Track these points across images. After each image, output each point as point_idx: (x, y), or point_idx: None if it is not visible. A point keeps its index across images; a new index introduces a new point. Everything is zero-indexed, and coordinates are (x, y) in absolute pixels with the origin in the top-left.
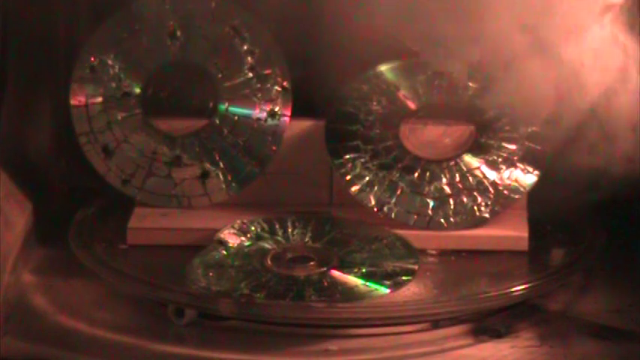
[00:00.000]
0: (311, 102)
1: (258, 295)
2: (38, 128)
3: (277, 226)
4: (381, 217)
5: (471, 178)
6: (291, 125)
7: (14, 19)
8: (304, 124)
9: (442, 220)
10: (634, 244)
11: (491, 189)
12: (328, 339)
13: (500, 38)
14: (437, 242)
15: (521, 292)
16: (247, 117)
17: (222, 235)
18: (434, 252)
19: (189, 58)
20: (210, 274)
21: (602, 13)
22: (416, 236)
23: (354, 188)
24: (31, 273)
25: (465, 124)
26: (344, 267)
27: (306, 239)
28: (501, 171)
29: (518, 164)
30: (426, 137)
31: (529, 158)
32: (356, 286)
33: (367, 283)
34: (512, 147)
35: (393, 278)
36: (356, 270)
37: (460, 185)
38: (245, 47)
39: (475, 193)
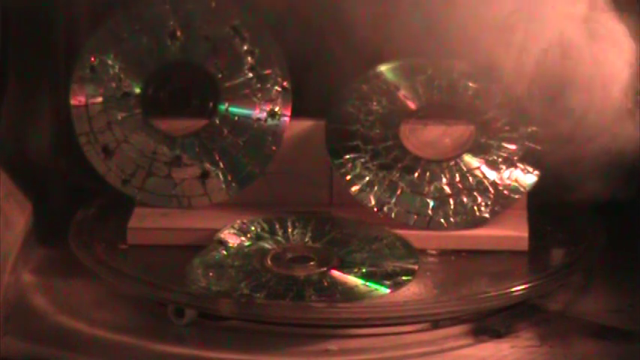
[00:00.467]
0: (311, 102)
1: (258, 295)
2: (38, 128)
3: (277, 226)
4: (381, 217)
5: (470, 178)
6: (291, 125)
7: (14, 19)
8: (304, 124)
9: (442, 220)
10: (634, 244)
11: (491, 189)
12: (328, 339)
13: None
14: (437, 242)
15: (521, 292)
16: (247, 117)
17: (222, 235)
18: (434, 252)
19: (189, 58)
20: (210, 274)
21: None
22: (416, 236)
23: (354, 188)
24: (31, 273)
25: (465, 124)
26: (344, 267)
27: (306, 239)
28: (501, 171)
29: (518, 164)
30: (426, 137)
31: (529, 158)
32: (356, 286)
33: (367, 283)
34: (512, 147)
35: (393, 278)
36: (356, 270)
37: (460, 185)
38: (245, 47)
39: (475, 193)
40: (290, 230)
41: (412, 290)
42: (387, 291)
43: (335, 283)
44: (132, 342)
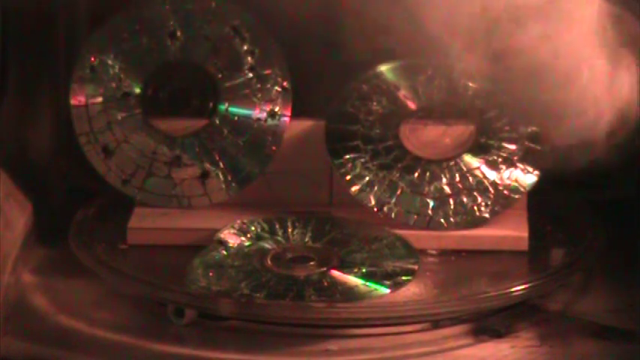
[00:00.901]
0: (311, 102)
1: (258, 295)
2: (38, 128)
3: (277, 226)
4: (381, 217)
5: (470, 178)
6: (291, 125)
7: (14, 19)
8: (304, 124)
9: (442, 220)
10: (634, 244)
11: (491, 189)
12: (328, 339)
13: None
14: (437, 242)
15: (521, 292)
16: (247, 117)
17: (222, 235)
18: (434, 252)
19: (189, 58)
20: (210, 274)
21: None
22: (416, 236)
23: (354, 188)
24: (31, 273)
25: (465, 124)
26: (344, 267)
27: (306, 239)
28: (501, 171)
29: (518, 164)
30: (426, 137)
31: (529, 158)
32: (356, 286)
33: (367, 283)
34: (512, 147)
35: (393, 278)
36: (356, 270)
37: (460, 185)
38: (245, 47)
39: (475, 193)
40: (290, 230)
41: (412, 290)
42: (387, 291)
43: (335, 283)
44: (132, 342)
